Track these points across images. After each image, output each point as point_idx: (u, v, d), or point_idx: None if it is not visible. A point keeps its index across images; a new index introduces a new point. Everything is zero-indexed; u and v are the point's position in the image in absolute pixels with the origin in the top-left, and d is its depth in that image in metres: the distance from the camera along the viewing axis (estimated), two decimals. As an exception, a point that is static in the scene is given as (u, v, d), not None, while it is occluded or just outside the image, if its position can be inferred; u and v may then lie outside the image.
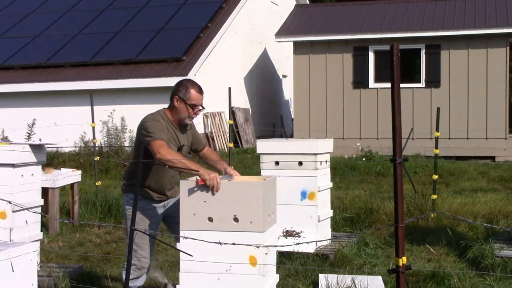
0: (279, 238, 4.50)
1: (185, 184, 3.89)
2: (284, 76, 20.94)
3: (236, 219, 3.80)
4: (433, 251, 6.59)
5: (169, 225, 4.65)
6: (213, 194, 3.83)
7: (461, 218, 4.27)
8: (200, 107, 4.40)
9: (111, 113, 14.58)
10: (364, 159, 13.96)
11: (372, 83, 15.93)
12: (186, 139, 4.53)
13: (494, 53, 15.12)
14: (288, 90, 20.82)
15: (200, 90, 4.39)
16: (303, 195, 6.37)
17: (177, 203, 4.56)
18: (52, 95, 15.39)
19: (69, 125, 14.33)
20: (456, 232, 7.15)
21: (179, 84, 4.45)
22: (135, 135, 4.74)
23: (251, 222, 3.77)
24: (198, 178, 3.85)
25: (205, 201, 3.83)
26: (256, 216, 3.77)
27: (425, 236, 7.19)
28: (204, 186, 3.83)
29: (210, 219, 3.83)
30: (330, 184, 6.81)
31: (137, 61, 15.30)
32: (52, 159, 12.54)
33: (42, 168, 6.69)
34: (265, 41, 19.19)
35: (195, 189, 3.85)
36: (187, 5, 17.71)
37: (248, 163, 13.27)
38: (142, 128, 4.30)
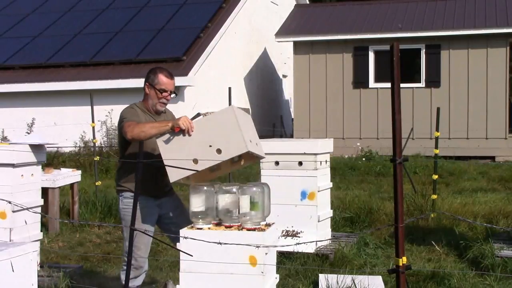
0: (279, 238, 4.49)
1: (161, 139, 3.98)
2: (284, 76, 20.94)
3: (218, 150, 3.86)
4: (438, 248, 6.59)
5: (164, 226, 4.62)
6: (189, 135, 3.92)
7: (461, 218, 4.27)
8: (169, 92, 4.44)
9: (109, 112, 14.57)
10: (364, 159, 13.96)
11: (372, 83, 15.93)
12: None
13: (494, 53, 15.12)
14: (288, 90, 20.82)
15: (168, 75, 4.44)
16: (303, 195, 6.38)
17: (171, 203, 4.57)
18: (52, 95, 15.38)
19: (69, 125, 14.33)
20: (456, 232, 7.15)
21: (149, 71, 4.54)
22: None
23: (232, 146, 3.82)
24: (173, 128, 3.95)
25: (184, 146, 3.91)
26: (236, 138, 3.82)
27: (425, 236, 7.19)
28: (179, 132, 3.93)
29: (195, 161, 3.90)
30: (330, 184, 6.81)
31: (137, 61, 15.30)
32: (52, 159, 12.54)
33: (42, 168, 6.69)
34: (265, 41, 19.19)
35: (171, 138, 3.95)
36: (187, 5, 17.71)
37: (248, 163, 13.25)
38: (119, 120, 4.40)
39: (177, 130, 3.96)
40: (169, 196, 4.58)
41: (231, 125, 3.84)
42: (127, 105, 4.55)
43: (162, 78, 4.40)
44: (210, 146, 3.87)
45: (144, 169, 4.30)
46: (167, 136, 3.99)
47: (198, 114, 4.19)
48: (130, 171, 4.41)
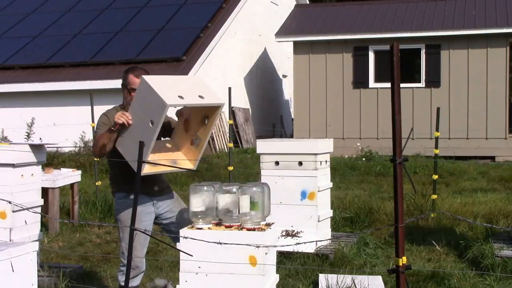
0: (279, 238, 4.49)
1: (117, 145, 4.16)
2: (284, 76, 20.94)
3: (151, 122, 3.97)
4: (438, 248, 6.59)
5: (164, 226, 4.61)
6: (130, 124, 4.07)
7: (461, 218, 4.27)
8: None
9: (107, 112, 14.56)
10: (364, 159, 13.96)
11: (372, 83, 15.92)
12: None
13: (494, 53, 15.11)
14: (288, 90, 20.82)
15: (138, 75, 4.38)
16: (303, 195, 6.38)
17: (169, 202, 4.56)
18: (52, 95, 15.38)
19: (69, 125, 14.32)
20: (456, 232, 7.15)
21: (124, 71, 4.58)
22: None
23: (157, 110, 3.91)
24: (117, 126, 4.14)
25: (132, 136, 4.06)
26: (156, 101, 3.90)
27: (425, 236, 7.19)
28: (122, 127, 4.10)
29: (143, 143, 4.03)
30: (330, 184, 6.81)
31: (137, 61, 15.27)
32: (52, 159, 12.54)
33: (42, 168, 6.69)
34: (265, 41, 19.19)
35: (121, 137, 4.12)
36: (187, 5, 17.71)
37: (248, 163, 13.26)
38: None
39: (117, 127, 4.11)
40: (166, 195, 4.57)
41: (148, 92, 3.94)
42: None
43: (132, 78, 4.41)
44: (146, 122, 3.99)
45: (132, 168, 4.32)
46: (118, 138, 4.13)
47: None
48: (119, 172, 4.45)
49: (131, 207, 4.38)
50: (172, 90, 4.02)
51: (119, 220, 4.51)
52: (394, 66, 3.32)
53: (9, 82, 15.59)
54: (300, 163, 6.38)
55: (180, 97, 3.99)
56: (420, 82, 15.72)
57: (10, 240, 4.93)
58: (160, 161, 4.21)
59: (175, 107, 4.07)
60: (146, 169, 4.11)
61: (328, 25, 16.62)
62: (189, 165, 4.35)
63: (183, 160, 4.36)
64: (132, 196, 4.40)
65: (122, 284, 4.37)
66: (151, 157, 4.13)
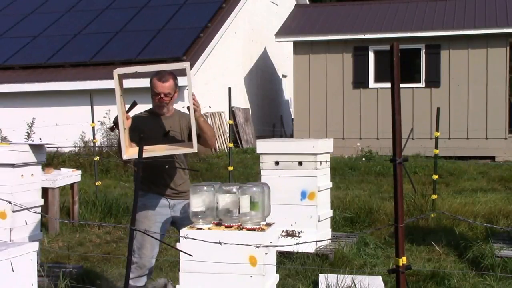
0: (279, 238, 4.49)
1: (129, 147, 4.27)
2: (284, 76, 20.94)
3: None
4: (438, 248, 6.59)
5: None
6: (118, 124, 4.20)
7: (461, 218, 4.27)
8: (161, 95, 4.46)
9: (106, 113, 14.56)
10: (364, 159, 13.96)
11: (372, 83, 15.92)
12: (178, 125, 4.58)
13: (494, 53, 15.11)
14: (288, 90, 20.81)
15: (161, 79, 4.44)
16: (303, 195, 6.38)
17: (186, 207, 4.53)
18: (52, 95, 15.38)
19: (69, 125, 14.32)
20: (456, 232, 7.15)
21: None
22: None
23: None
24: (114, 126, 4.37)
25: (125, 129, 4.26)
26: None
27: (425, 236, 7.19)
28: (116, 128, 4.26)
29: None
30: (330, 184, 6.81)
31: (137, 61, 15.29)
32: (52, 159, 12.54)
33: (42, 168, 6.69)
34: (265, 41, 19.19)
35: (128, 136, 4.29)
36: (187, 5, 17.71)
37: (248, 163, 13.26)
38: None
39: (114, 129, 4.35)
40: (187, 200, 4.52)
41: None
42: None
43: (154, 82, 4.46)
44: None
45: (149, 168, 4.34)
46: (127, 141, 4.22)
47: (135, 103, 4.28)
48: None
49: (147, 206, 4.41)
50: (132, 68, 4.26)
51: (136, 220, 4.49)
52: (394, 66, 3.32)
53: (9, 82, 15.59)
54: (300, 163, 6.38)
55: (136, 71, 4.22)
56: (420, 82, 15.72)
57: (10, 240, 4.93)
58: (159, 149, 4.29)
59: (124, 74, 4.29)
60: (131, 152, 4.19)
61: (328, 25, 16.62)
62: (188, 149, 4.33)
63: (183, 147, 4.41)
64: (148, 195, 4.43)
65: (133, 283, 4.36)
66: (149, 146, 4.22)
